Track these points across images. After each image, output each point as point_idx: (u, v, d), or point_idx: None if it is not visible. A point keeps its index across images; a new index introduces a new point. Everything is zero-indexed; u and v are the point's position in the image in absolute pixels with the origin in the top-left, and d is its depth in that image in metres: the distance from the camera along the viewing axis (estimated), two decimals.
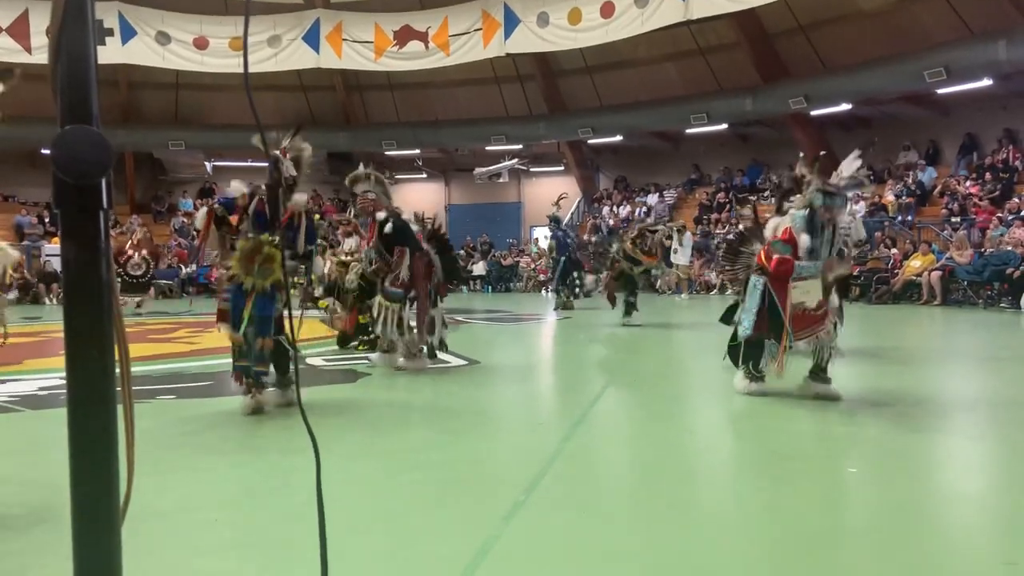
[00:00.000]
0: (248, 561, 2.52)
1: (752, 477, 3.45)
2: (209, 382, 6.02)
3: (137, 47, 20.85)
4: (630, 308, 10.59)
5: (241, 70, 22.36)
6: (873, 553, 2.56)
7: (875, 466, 3.58)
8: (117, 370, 1.08)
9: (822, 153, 5.03)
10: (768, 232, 4.99)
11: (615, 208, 23.96)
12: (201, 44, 20.96)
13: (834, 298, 4.92)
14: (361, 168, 6.61)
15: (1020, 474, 3.44)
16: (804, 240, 4.63)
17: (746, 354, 5.04)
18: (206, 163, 25.26)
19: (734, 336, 5.14)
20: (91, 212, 1.06)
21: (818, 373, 5.00)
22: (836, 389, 4.95)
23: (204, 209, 4.99)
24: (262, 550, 2.61)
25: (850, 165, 4.69)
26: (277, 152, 4.95)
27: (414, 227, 6.65)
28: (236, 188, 4.93)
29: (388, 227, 6.37)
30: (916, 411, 4.89)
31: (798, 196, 4.87)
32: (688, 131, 21.65)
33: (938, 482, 3.43)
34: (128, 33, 20.71)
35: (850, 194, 4.82)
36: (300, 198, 4.94)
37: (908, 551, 2.54)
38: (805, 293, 4.67)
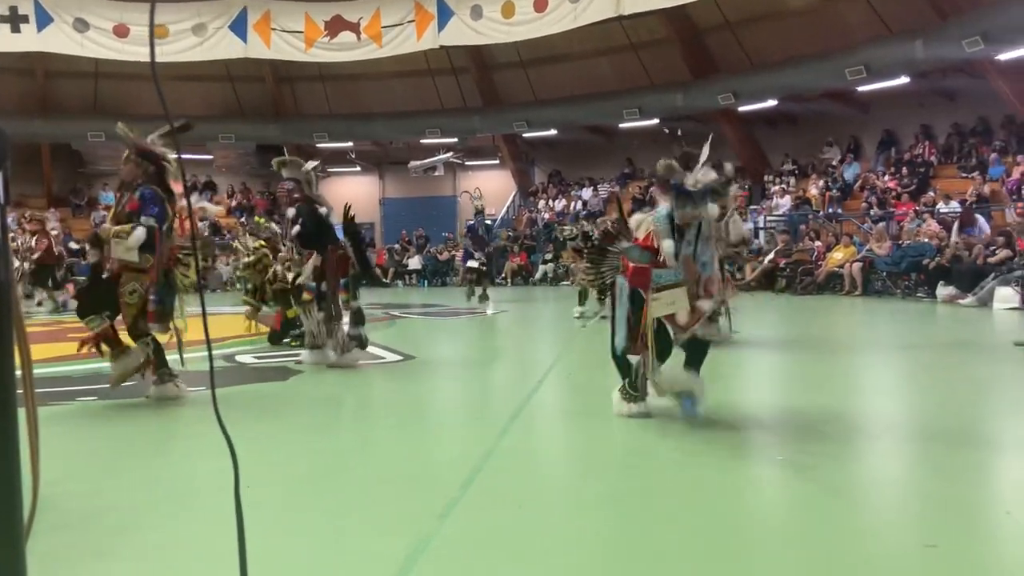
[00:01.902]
0: (169, 566, 2.44)
1: (683, 465, 3.51)
2: (132, 382, 5.82)
3: (54, 34, 20.00)
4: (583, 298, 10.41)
5: (163, 59, 21.56)
6: (793, 538, 2.63)
7: (799, 453, 3.68)
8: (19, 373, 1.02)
9: (684, 150, 4.14)
10: (632, 226, 4.39)
11: (551, 202, 24.08)
12: (121, 32, 20.21)
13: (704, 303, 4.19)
14: (286, 154, 6.58)
15: (937, 459, 3.58)
16: (666, 246, 4.07)
17: (622, 370, 4.41)
18: None
19: (614, 351, 4.42)
20: None
21: (692, 366, 4.32)
22: (700, 393, 4.28)
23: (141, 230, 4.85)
24: (184, 554, 2.53)
25: (704, 172, 4.06)
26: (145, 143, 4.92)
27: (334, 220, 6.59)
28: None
29: (296, 228, 6.33)
30: (837, 399, 5.05)
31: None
32: (621, 125, 21.88)
33: (858, 468, 3.55)
34: (44, 20, 19.86)
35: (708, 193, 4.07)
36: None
37: (828, 536, 2.61)
38: (669, 304, 4.11)
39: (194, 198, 5.66)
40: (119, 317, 5.00)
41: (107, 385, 5.11)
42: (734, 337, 7.40)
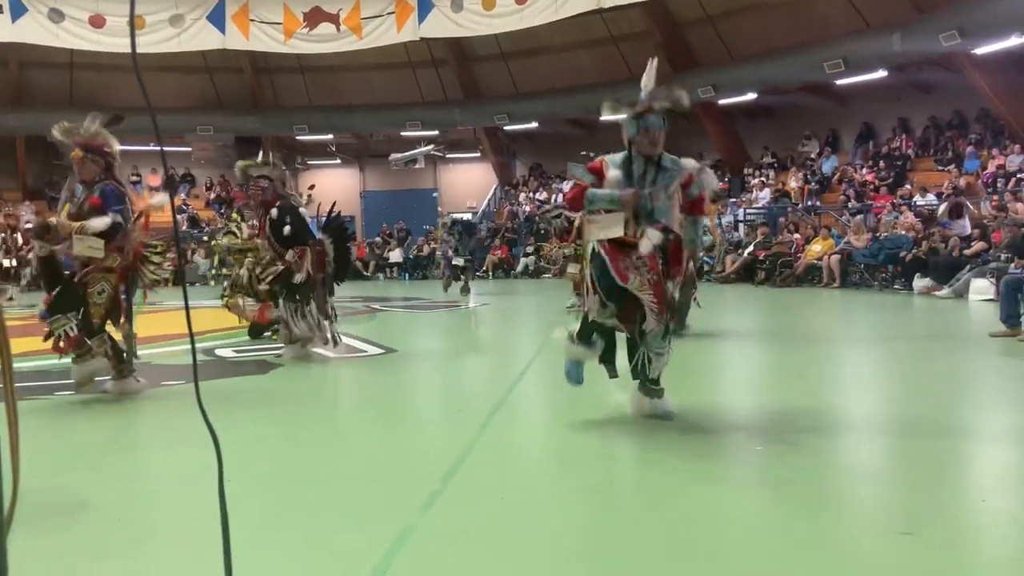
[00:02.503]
0: (152, 561, 2.43)
1: (663, 456, 3.53)
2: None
3: (28, 25, 19.66)
4: None
5: (140, 50, 21.58)
6: (771, 527, 2.66)
7: (777, 443, 3.72)
8: None
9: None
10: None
11: (532, 195, 24.07)
12: (97, 23, 19.92)
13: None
14: (260, 156, 6.54)
15: (914, 449, 3.63)
16: (613, 174, 3.91)
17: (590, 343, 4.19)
18: None
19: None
20: None
21: (646, 384, 4.06)
22: (669, 404, 4.10)
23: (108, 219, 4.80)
24: (167, 549, 2.52)
25: (649, 76, 4.02)
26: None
27: (307, 215, 6.60)
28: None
29: (287, 230, 6.30)
30: (815, 391, 5.11)
31: None
32: (603, 118, 21.86)
33: (836, 457, 3.59)
34: (18, 10, 19.52)
35: (662, 110, 3.98)
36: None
37: (806, 523, 2.65)
38: (604, 228, 3.88)
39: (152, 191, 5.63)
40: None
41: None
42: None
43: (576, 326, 4.26)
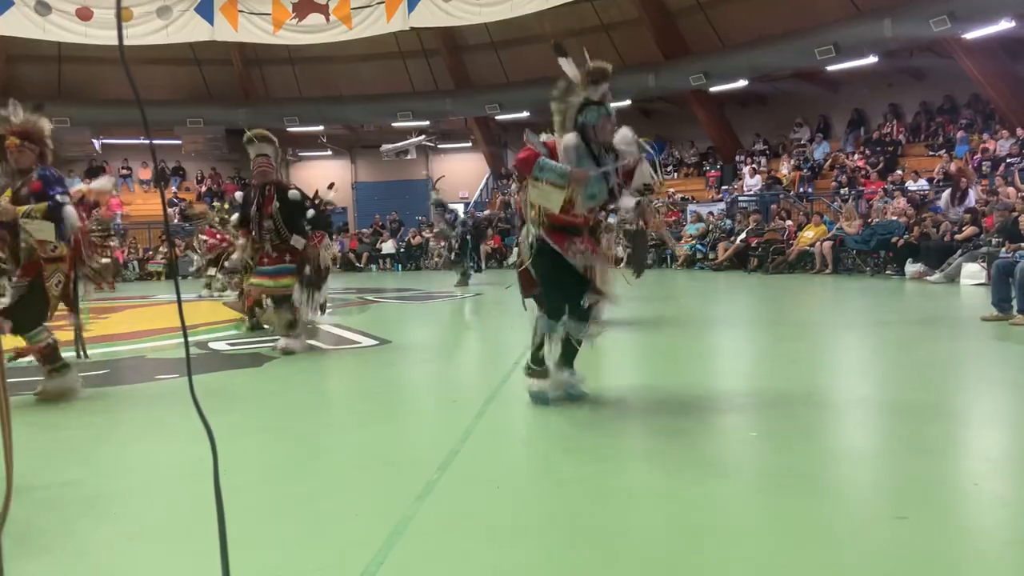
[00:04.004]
0: (152, 553, 2.43)
1: (657, 442, 3.54)
2: (105, 371, 5.76)
3: (14, 18, 19.50)
4: None
5: (128, 42, 21.13)
6: (765, 511, 2.68)
7: (771, 429, 3.74)
8: None
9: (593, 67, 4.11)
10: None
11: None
12: (85, 15, 19.75)
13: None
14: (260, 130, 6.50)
15: (907, 433, 3.65)
16: (568, 139, 4.00)
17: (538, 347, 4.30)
18: (94, 141, 23.94)
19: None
20: None
21: (568, 361, 4.26)
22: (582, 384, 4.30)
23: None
24: (167, 541, 2.52)
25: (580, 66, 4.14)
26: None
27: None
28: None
29: (310, 213, 6.32)
30: (808, 376, 5.13)
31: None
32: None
33: (829, 442, 3.61)
34: (4, 3, 19.35)
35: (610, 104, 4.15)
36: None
37: (800, 508, 2.66)
38: (544, 197, 3.99)
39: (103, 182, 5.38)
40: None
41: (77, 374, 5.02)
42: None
43: (528, 357, 4.37)
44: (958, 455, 3.42)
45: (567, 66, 4.17)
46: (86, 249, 4.90)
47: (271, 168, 6.43)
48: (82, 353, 5.07)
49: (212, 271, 9.77)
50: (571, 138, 4.05)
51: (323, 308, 7.03)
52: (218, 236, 11.41)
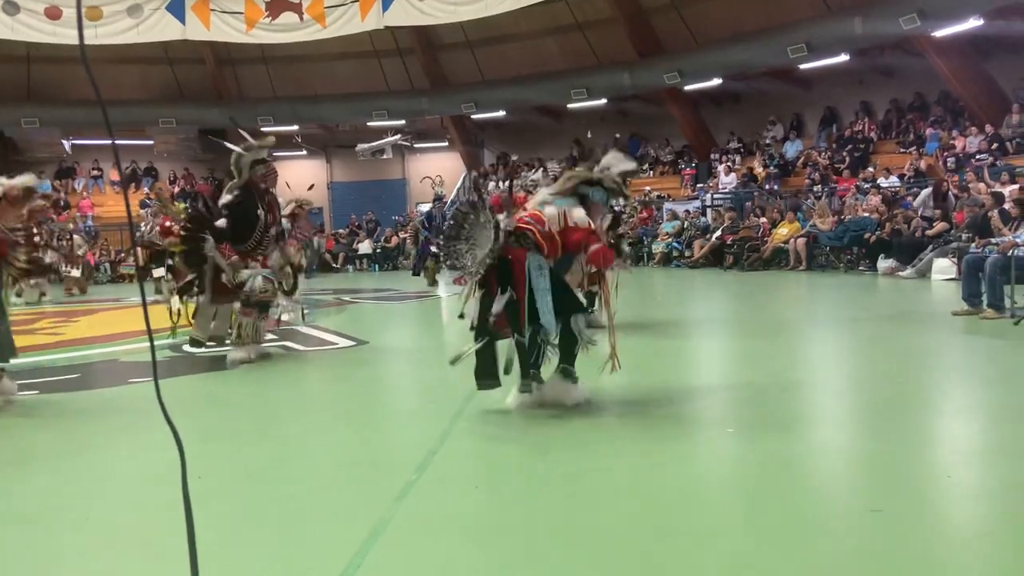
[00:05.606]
0: (122, 560, 2.40)
1: (635, 440, 3.55)
2: (76, 375, 5.67)
3: None
4: None
5: (97, 42, 20.74)
6: (743, 506, 2.69)
7: (748, 424, 3.76)
8: None
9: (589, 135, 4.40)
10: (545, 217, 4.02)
11: (500, 183, 24.02)
12: (53, 15, 19.42)
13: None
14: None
15: (881, 427, 3.69)
16: (579, 213, 3.98)
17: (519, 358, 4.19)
18: (64, 141, 23.59)
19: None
20: None
21: (569, 371, 4.22)
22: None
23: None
24: (138, 548, 2.48)
25: (618, 162, 4.17)
26: None
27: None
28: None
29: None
30: (783, 372, 5.17)
31: (549, 185, 4.30)
32: (570, 106, 21.89)
33: (805, 437, 3.63)
34: None
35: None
36: None
37: (777, 502, 2.68)
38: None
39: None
40: None
41: (48, 379, 4.94)
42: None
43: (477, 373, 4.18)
44: (931, 448, 3.46)
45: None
46: (9, 249, 4.68)
47: (274, 176, 6.17)
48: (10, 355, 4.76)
49: (158, 272, 9.26)
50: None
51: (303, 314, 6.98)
52: (173, 229, 10.94)
